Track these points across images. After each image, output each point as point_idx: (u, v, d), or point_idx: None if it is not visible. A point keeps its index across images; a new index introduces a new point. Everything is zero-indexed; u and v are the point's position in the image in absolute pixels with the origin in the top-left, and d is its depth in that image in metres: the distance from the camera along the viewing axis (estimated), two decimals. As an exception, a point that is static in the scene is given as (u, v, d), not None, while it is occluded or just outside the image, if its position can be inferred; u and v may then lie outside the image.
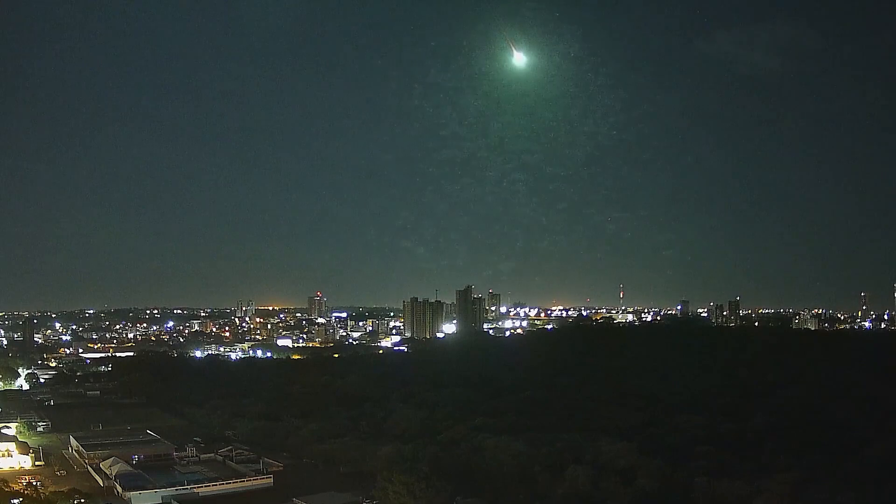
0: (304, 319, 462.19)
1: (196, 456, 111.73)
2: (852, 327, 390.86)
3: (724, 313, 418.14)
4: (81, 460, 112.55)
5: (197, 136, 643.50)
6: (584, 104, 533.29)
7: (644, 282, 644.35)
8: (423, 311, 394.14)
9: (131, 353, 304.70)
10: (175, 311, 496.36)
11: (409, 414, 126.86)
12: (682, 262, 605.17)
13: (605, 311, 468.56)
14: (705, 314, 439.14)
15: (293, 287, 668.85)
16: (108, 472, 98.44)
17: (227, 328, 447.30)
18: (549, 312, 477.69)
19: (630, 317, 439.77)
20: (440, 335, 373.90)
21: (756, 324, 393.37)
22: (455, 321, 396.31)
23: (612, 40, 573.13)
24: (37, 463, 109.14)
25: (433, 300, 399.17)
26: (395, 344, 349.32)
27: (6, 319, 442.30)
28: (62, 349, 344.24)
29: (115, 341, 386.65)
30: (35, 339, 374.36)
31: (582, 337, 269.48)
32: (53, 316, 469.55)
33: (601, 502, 79.03)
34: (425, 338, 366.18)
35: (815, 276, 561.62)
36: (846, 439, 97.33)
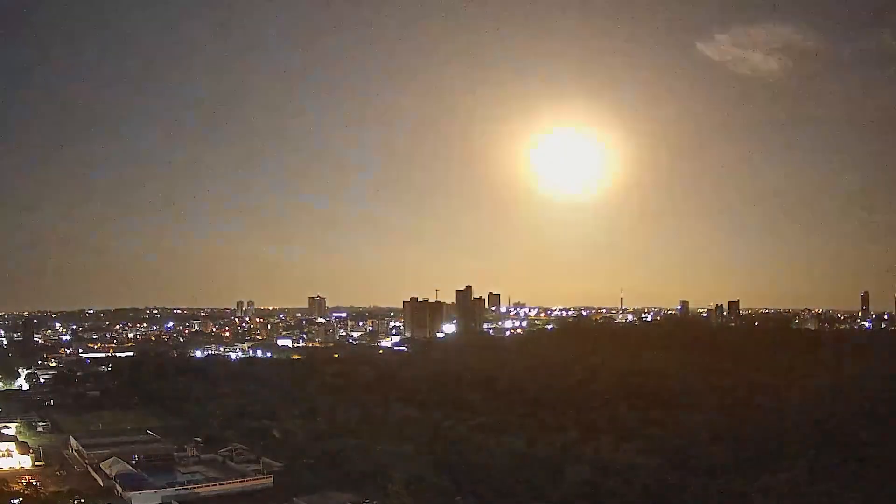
0: (304, 319, 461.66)
1: (196, 456, 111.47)
2: (852, 327, 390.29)
3: (724, 313, 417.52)
4: (81, 460, 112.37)
5: (197, 136, 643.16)
6: (585, 104, 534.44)
7: (644, 282, 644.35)
8: (423, 311, 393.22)
9: (131, 353, 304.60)
10: (175, 311, 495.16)
11: (409, 414, 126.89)
12: (682, 262, 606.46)
13: (605, 311, 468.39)
14: (705, 314, 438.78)
15: (293, 287, 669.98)
16: (108, 472, 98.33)
17: (227, 328, 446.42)
18: (549, 312, 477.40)
19: (630, 317, 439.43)
20: (440, 335, 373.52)
21: (756, 324, 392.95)
22: (455, 321, 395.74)
23: (609, 41, 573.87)
24: (37, 463, 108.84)
25: (433, 300, 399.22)
26: (395, 344, 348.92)
27: (6, 319, 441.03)
28: (62, 349, 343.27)
29: (115, 341, 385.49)
30: (35, 339, 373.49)
31: (582, 337, 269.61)
32: (53, 316, 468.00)
33: (601, 502, 79.00)
34: (425, 338, 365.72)
35: (815, 276, 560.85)
36: (846, 439, 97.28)
